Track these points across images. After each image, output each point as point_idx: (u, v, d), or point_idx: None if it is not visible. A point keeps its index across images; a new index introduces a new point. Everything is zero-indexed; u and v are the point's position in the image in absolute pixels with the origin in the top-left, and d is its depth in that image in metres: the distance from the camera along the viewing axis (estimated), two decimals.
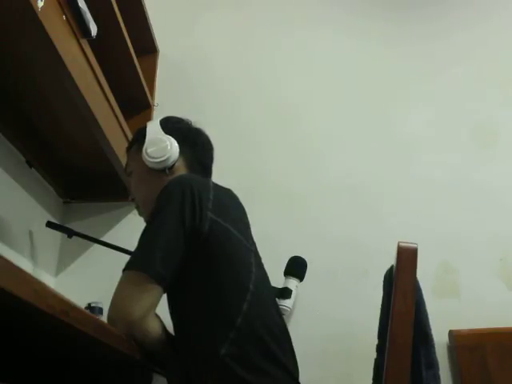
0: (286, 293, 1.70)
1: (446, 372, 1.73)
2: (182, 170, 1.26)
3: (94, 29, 1.31)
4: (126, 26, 1.73)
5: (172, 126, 1.30)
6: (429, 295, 1.21)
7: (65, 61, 1.21)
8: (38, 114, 1.58)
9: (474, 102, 2.14)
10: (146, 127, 1.31)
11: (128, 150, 1.35)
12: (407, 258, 1.04)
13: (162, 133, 1.27)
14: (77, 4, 1.23)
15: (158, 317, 1.04)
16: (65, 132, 1.67)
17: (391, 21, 2.31)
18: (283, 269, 1.75)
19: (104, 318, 1.04)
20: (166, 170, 1.24)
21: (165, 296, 1.06)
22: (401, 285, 1.02)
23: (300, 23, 2.31)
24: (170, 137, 1.26)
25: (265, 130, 2.13)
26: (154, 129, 1.29)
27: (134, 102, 2.00)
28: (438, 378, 1.12)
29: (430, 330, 1.14)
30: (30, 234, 1.73)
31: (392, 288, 1.04)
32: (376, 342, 1.20)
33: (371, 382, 1.20)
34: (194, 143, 1.31)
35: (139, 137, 1.31)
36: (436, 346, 1.15)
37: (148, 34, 2.15)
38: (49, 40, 1.14)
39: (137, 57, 1.89)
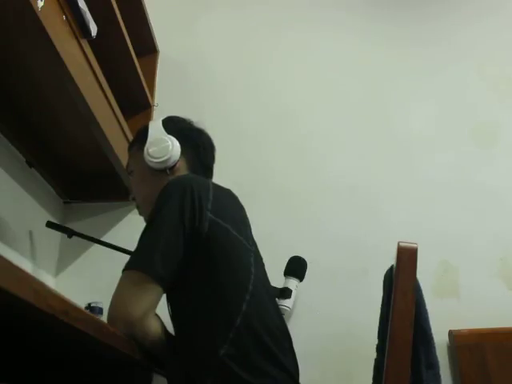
0: (286, 293, 1.70)
1: (446, 372, 1.72)
2: (183, 171, 1.26)
3: (94, 29, 1.31)
4: (125, 26, 1.73)
5: (174, 126, 1.30)
6: (429, 295, 1.21)
7: (65, 61, 1.21)
8: (38, 114, 1.59)
9: (474, 101, 2.14)
10: (147, 127, 1.31)
11: (130, 149, 1.36)
12: (407, 257, 1.03)
13: (164, 133, 1.27)
14: (77, 4, 1.23)
15: (157, 317, 1.04)
16: (65, 132, 1.67)
17: (391, 21, 2.31)
18: (283, 269, 1.75)
19: (104, 317, 1.04)
20: (166, 170, 1.24)
21: (165, 296, 1.06)
22: (401, 285, 1.02)
23: (300, 23, 2.31)
24: (172, 137, 1.26)
25: (265, 129, 2.13)
26: (155, 129, 1.29)
27: (134, 102, 2.00)
28: (439, 377, 1.12)
29: (430, 329, 1.14)
30: (30, 234, 1.73)
31: (392, 288, 1.04)
32: (376, 341, 1.20)
33: (371, 381, 1.20)
34: (196, 144, 1.30)
35: (141, 136, 1.31)
36: (436, 346, 1.15)
37: (148, 34, 2.15)
38: (49, 40, 1.14)
39: (137, 57, 1.89)
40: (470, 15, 2.29)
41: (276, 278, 1.58)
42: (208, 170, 1.33)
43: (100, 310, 1.59)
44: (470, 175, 2.02)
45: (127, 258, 1.03)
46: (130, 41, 1.80)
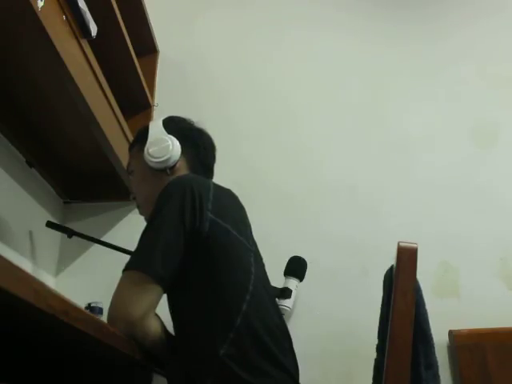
0: (286, 293, 1.70)
1: (446, 372, 1.73)
2: (183, 171, 1.26)
3: (94, 29, 1.31)
4: (126, 26, 1.73)
5: (174, 125, 1.30)
6: (429, 295, 1.21)
7: (65, 61, 1.21)
8: (38, 114, 1.59)
9: (473, 101, 2.14)
10: (148, 127, 1.31)
11: (130, 149, 1.36)
12: (407, 257, 1.03)
13: (165, 132, 1.27)
14: (77, 4, 1.23)
15: (157, 317, 1.04)
16: (65, 132, 1.67)
17: (391, 20, 2.31)
18: (283, 269, 1.75)
19: (104, 317, 1.04)
20: (167, 169, 1.24)
21: (165, 296, 1.06)
22: (401, 285, 1.02)
23: (299, 23, 2.31)
24: (172, 137, 1.26)
25: (264, 129, 2.13)
26: (156, 128, 1.29)
27: (134, 101, 2.00)
28: (438, 377, 1.12)
29: (430, 329, 1.14)
30: (30, 233, 1.73)
31: (392, 288, 1.04)
32: (376, 341, 1.20)
33: (371, 381, 1.20)
34: (196, 144, 1.31)
35: (141, 136, 1.31)
36: (436, 346, 1.15)
37: (148, 34, 2.15)
38: (49, 40, 1.14)
39: (137, 57, 1.89)
40: (470, 15, 2.29)
41: (276, 278, 1.58)
42: (208, 170, 1.33)
43: (100, 310, 1.59)
44: (470, 175, 2.02)
45: (127, 257, 1.03)
46: (130, 41, 1.79)
